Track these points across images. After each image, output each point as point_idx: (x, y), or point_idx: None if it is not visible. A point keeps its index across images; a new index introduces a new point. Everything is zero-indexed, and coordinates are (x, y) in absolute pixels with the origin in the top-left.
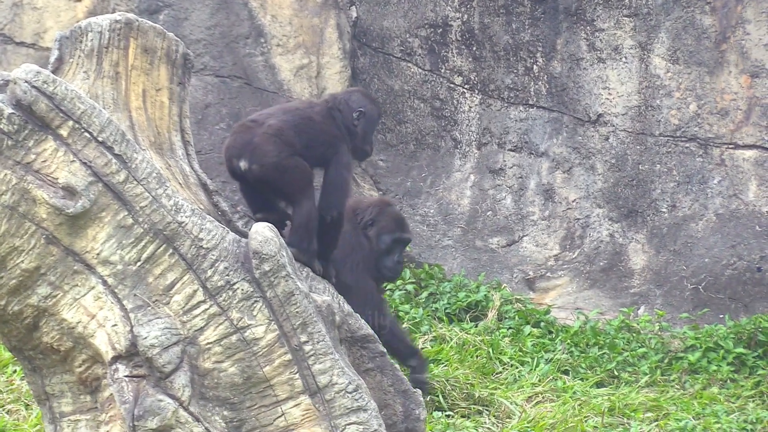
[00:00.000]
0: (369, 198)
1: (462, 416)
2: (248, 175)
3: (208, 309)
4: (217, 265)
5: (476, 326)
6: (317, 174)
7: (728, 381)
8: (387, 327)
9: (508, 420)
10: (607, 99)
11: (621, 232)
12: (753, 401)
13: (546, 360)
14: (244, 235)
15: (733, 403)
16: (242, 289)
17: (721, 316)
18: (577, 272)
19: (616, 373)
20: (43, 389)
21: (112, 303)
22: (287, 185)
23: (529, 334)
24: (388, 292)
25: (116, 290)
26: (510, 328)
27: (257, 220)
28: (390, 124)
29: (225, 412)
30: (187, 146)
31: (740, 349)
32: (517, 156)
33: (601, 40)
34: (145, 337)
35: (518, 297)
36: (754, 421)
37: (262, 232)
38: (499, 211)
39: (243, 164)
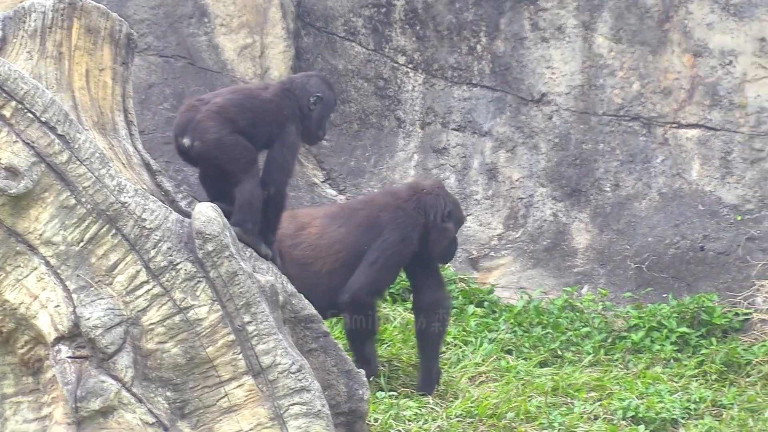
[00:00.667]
0: (429, 185)
1: (405, 396)
2: (191, 152)
3: (151, 289)
4: (160, 245)
5: None
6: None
7: (671, 360)
8: None
9: (452, 400)
10: (551, 78)
11: (564, 211)
12: (696, 380)
13: (489, 340)
14: (188, 215)
15: (676, 382)
16: (185, 270)
17: (665, 295)
18: (520, 252)
19: (559, 352)
20: None
21: (54, 284)
22: (228, 163)
23: (472, 314)
24: None
25: (59, 271)
26: (453, 307)
27: None
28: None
29: (168, 393)
30: (130, 126)
31: (683, 329)
32: (461, 135)
33: (544, 19)
34: (88, 318)
35: (462, 276)
36: (698, 400)
37: (206, 212)
38: None
39: (186, 141)
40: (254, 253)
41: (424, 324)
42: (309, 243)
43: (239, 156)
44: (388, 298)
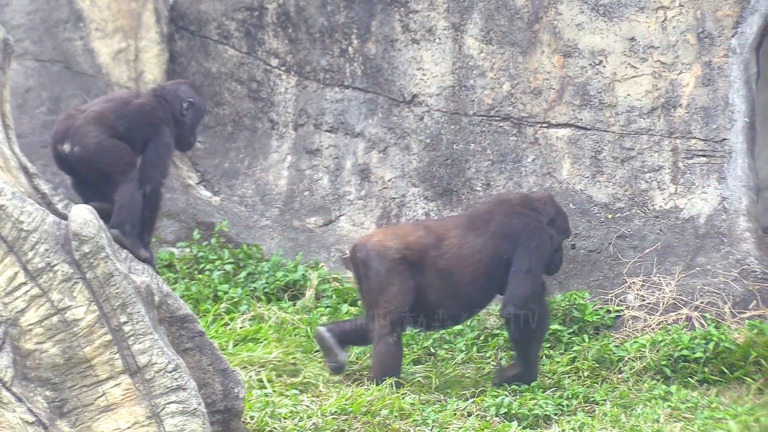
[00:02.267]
0: (539, 193)
1: (281, 395)
2: (72, 158)
3: (29, 291)
4: (37, 247)
5: (294, 305)
6: None
7: (544, 357)
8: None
9: (326, 398)
10: (422, 80)
11: (437, 210)
12: (569, 377)
13: None
14: (65, 217)
15: (549, 378)
16: (62, 271)
17: None
18: None
19: (432, 350)
20: None
21: None
22: (108, 166)
23: (346, 313)
24: (206, 272)
25: None
26: (328, 306)
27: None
28: (208, 107)
29: (47, 392)
30: (7, 130)
31: (556, 326)
32: (334, 137)
33: (415, 21)
34: None
35: (335, 276)
36: (570, 396)
37: (82, 214)
38: (316, 191)
39: (66, 147)
40: (130, 255)
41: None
42: (452, 253)
43: (119, 159)
44: (262, 297)
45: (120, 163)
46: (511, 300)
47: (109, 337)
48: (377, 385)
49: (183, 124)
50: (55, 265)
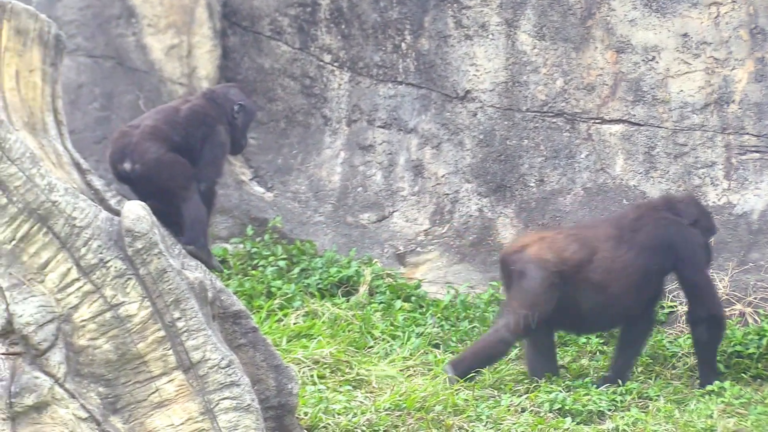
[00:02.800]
0: (681, 195)
1: (335, 390)
2: (133, 176)
3: (82, 287)
4: (90, 243)
5: (348, 301)
6: None
7: (598, 353)
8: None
9: (380, 394)
10: (475, 75)
11: (490, 206)
12: None
13: (417, 334)
14: (117, 213)
15: (603, 374)
16: (115, 267)
17: None
18: (446, 247)
19: None
20: None
21: None
22: (169, 181)
23: (400, 309)
24: (260, 268)
25: None
26: (381, 302)
27: None
28: (261, 103)
29: (100, 389)
30: (60, 126)
31: None
32: (387, 132)
33: (468, 17)
34: (21, 315)
35: (389, 272)
36: (624, 392)
37: (135, 210)
38: (370, 187)
39: (127, 165)
40: (183, 251)
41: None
42: (604, 267)
43: (179, 173)
44: (316, 293)
45: (180, 177)
46: (704, 314)
47: (162, 333)
48: (459, 372)
49: (234, 127)
50: (108, 261)
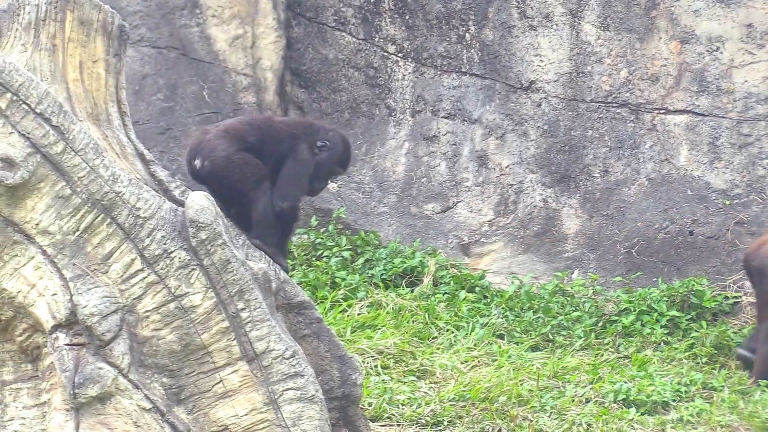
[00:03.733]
0: None
1: (399, 381)
2: (203, 173)
3: (146, 277)
4: (154, 233)
5: (412, 292)
6: None
7: (662, 343)
8: None
9: (444, 384)
10: (539, 66)
11: (554, 197)
12: (686, 363)
13: (481, 324)
14: (181, 204)
15: (667, 365)
16: (179, 258)
17: (654, 279)
18: (511, 237)
19: (550, 336)
20: None
21: (51, 272)
22: (239, 181)
23: (464, 299)
24: (324, 259)
25: (55, 260)
26: (445, 293)
27: None
28: (325, 93)
29: (164, 379)
30: (123, 117)
31: (673, 312)
32: (451, 123)
33: (532, 8)
34: (85, 306)
35: (453, 262)
36: (688, 383)
37: (199, 201)
38: (434, 177)
39: (197, 162)
40: (247, 241)
41: None
42: None
43: (249, 173)
44: (380, 284)
45: (250, 178)
46: None
47: (226, 323)
48: (758, 385)
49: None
50: (171, 252)
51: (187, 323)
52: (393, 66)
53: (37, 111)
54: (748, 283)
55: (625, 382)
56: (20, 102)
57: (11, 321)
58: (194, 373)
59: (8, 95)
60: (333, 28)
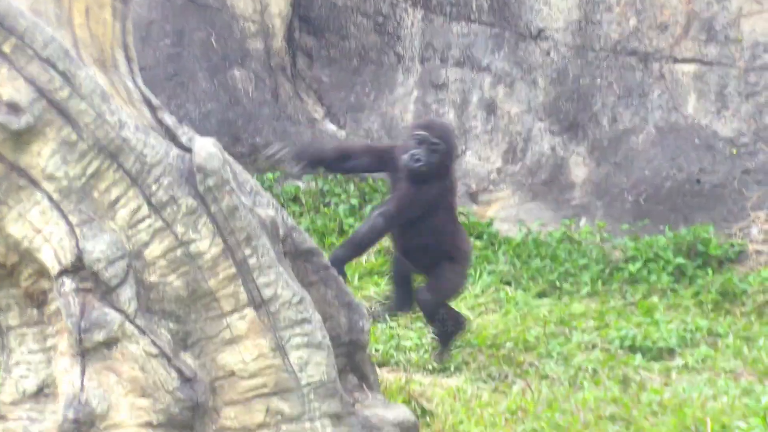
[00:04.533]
0: None
1: (406, 328)
2: None
3: (152, 223)
4: (161, 180)
5: None
6: None
7: (668, 291)
8: None
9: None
10: (548, 14)
11: (562, 145)
12: (692, 310)
13: (489, 272)
14: (189, 150)
15: (673, 311)
16: (186, 204)
17: (661, 227)
18: (519, 185)
19: (558, 284)
20: None
21: (57, 218)
22: None
23: (473, 247)
24: (332, 206)
25: (61, 205)
26: None
27: None
28: (333, 40)
29: (171, 325)
30: (130, 63)
31: (680, 260)
32: (460, 71)
33: None
34: (91, 252)
35: (461, 210)
36: (693, 329)
37: (206, 148)
38: None
39: None
40: (255, 187)
41: None
42: None
43: None
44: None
45: None
46: None
47: (233, 270)
48: None
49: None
50: (178, 198)
51: (194, 269)
52: (402, 13)
53: (43, 56)
54: (753, 231)
55: (631, 329)
56: (25, 47)
57: (17, 266)
58: (201, 319)
59: (13, 39)
60: None
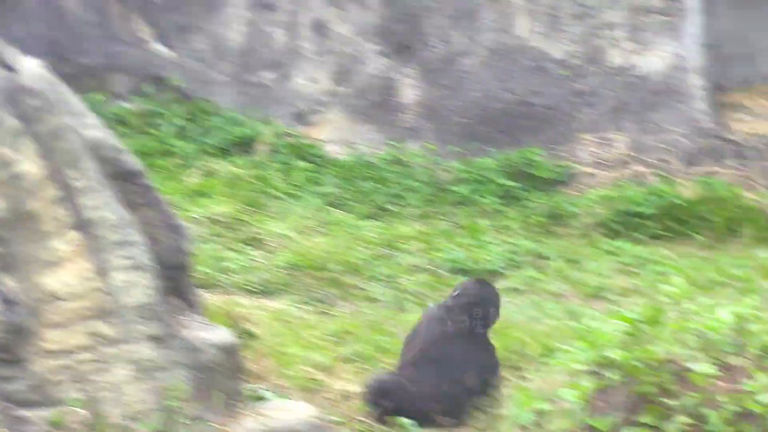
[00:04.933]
0: None
1: (230, 249)
2: None
3: None
4: None
5: (248, 161)
6: None
7: (496, 213)
8: None
9: (277, 253)
10: None
11: (393, 67)
12: (520, 233)
13: (316, 194)
14: (15, 71)
15: (501, 234)
16: (9, 124)
17: (491, 149)
18: (348, 107)
19: (386, 206)
20: None
21: None
22: None
23: (299, 168)
24: (158, 127)
25: None
26: (281, 162)
27: None
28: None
29: None
30: None
31: (508, 182)
32: None
33: None
34: None
35: (289, 131)
36: (520, 252)
37: (32, 68)
38: (272, 46)
39: None
40: (83, 109)
41: None
42: None
43: None
44: (215, 152)
45: None
46: None
47: (58, 192)
48: None
49: None
50: (2, 119)
51: (18, 191)
52: None
53: None
54: (582, 153)
55: (459, 251)
56: None
57: None
58: (25, 242)
59: None
60: None
